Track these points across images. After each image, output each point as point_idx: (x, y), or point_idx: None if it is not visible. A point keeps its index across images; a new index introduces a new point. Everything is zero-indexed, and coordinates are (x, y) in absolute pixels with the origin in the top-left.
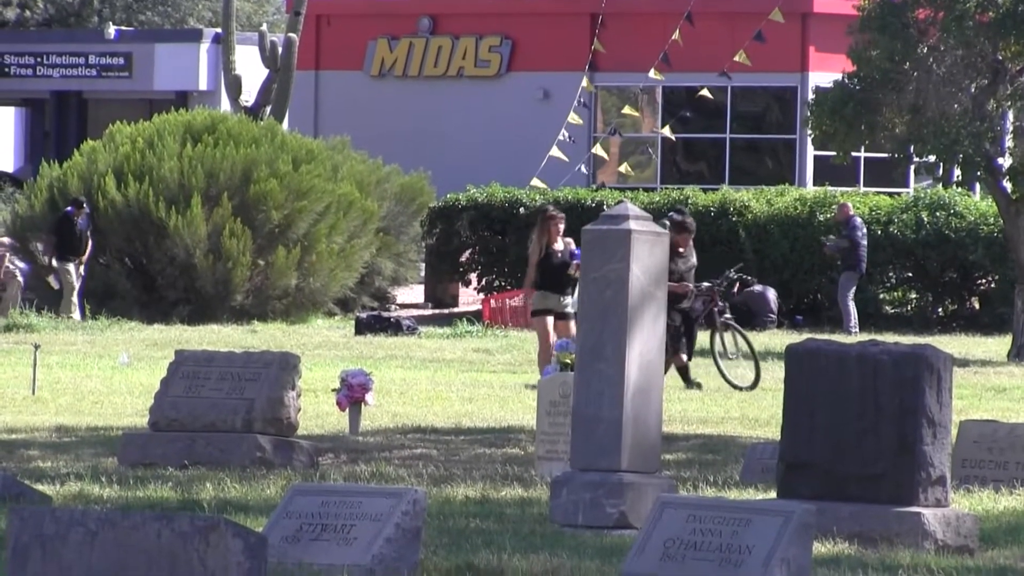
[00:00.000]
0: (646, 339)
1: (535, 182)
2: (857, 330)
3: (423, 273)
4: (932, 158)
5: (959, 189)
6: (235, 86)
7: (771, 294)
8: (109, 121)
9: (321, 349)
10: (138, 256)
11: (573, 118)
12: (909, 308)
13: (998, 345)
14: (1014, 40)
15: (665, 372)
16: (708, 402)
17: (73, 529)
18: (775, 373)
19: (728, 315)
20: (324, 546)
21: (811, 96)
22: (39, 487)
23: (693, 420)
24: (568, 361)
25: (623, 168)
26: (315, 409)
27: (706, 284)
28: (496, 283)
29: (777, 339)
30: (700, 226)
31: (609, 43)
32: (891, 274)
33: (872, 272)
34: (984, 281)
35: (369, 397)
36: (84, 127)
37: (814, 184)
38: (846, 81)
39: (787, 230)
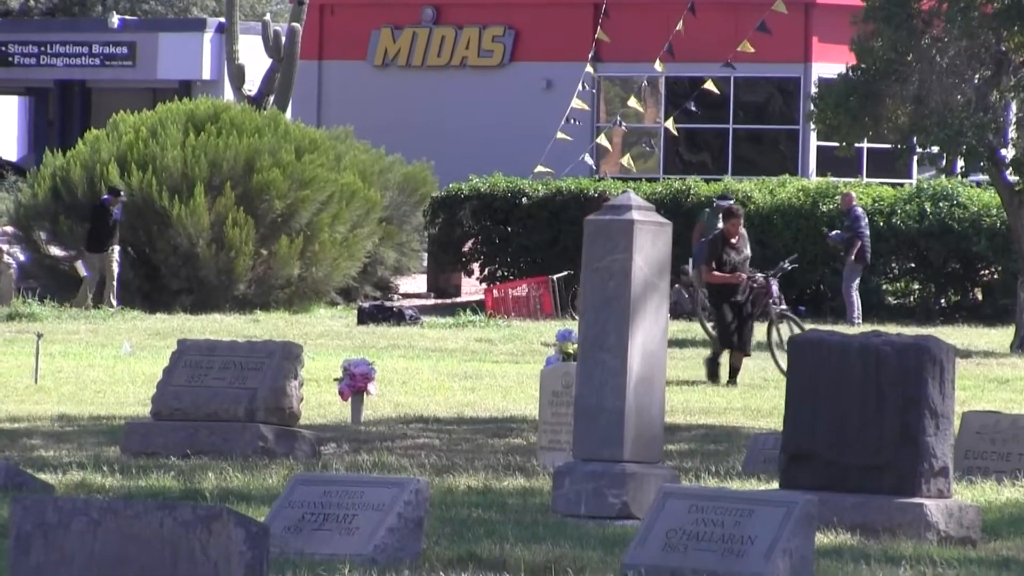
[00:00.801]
0: (649, 329)
1: (540, 168)
2: (860, 321)
3: (426, 263)
4: (935, 149)
5: (962, 180)
6: (238, 75)
7: (774, 285)
8: (113, 110)
9: (323, 339)
10: (141, 245)
11: (577, 103)
12: (912, 299)
13: (1001, 336)
14: (1017, 31)
15: (735, 375)
16: (711, 392)
17: (75, 518)
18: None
19: (784, 306)
20: (326, 536)
21: (814, 88)
22: (41, 476)
23: (695, 410)
24: (570, 351)
25: (626, 159)
26: (317, 399)
27: (760, 275)
28: (499, 273)
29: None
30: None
31: (612, 33)
32: (894, 265)
33: (875, 263)
34: (987, 272)
35: (371, 387)
36: (88, 116)
37: (817, 175)
38: (850, 73)
39: (790, 221)
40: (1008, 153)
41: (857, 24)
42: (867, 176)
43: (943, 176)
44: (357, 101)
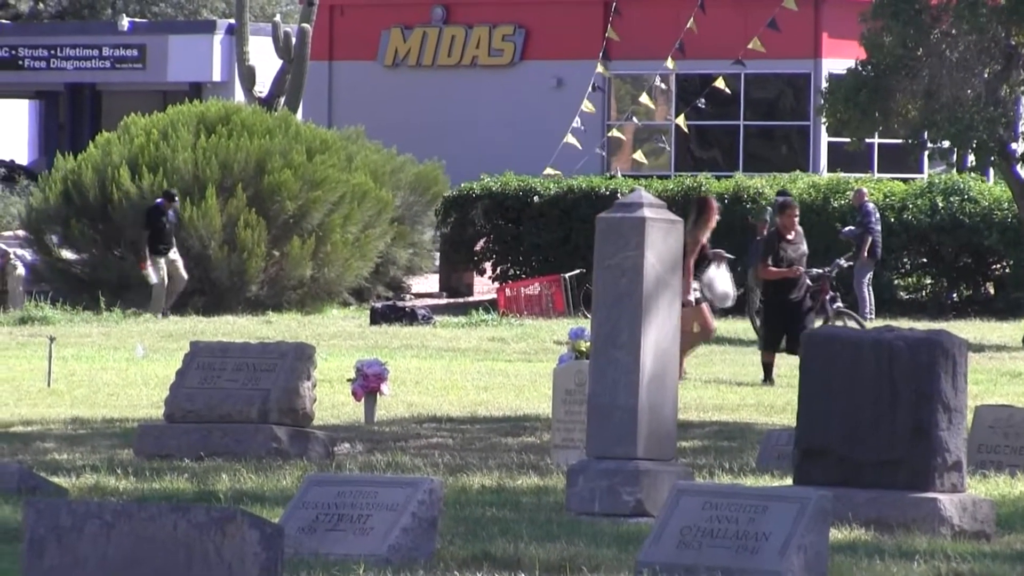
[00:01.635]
0: (661, 326)
1: (548, 170)
2: (873, 316)
3: (438, 262)
4: (946, 144)
5: (973, 174)
6: (249, 77)
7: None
8: (123, 113)
9: (336, 339)
10: None
11: (587, 106)
12: (924, 294)
13: (1013, 330)
14: None
15: (768, 373)
16: (724, 389)
17: (89, 521)
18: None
19: (840, 303)
20: (340, 536)
21: (824, 84)
22: (55, 479)
23: (709, 407)
24: (583, 349)
25: (638, 154)
26: (331, 399)
27: (816, 271)
28: (511, 272)
29: None
30: None
31: (622, 31)
32: (906, 260)
33: (887, 258)
34: (999, 266)
35: (384, 387)
36: (98, 119)
37: (828, 170)
38: (859, 68)
39: (801, 217)
40: (1019, 147)
41: (866, 20)
42: (878, 171)
43: (954, 170)
44: (368, 101)
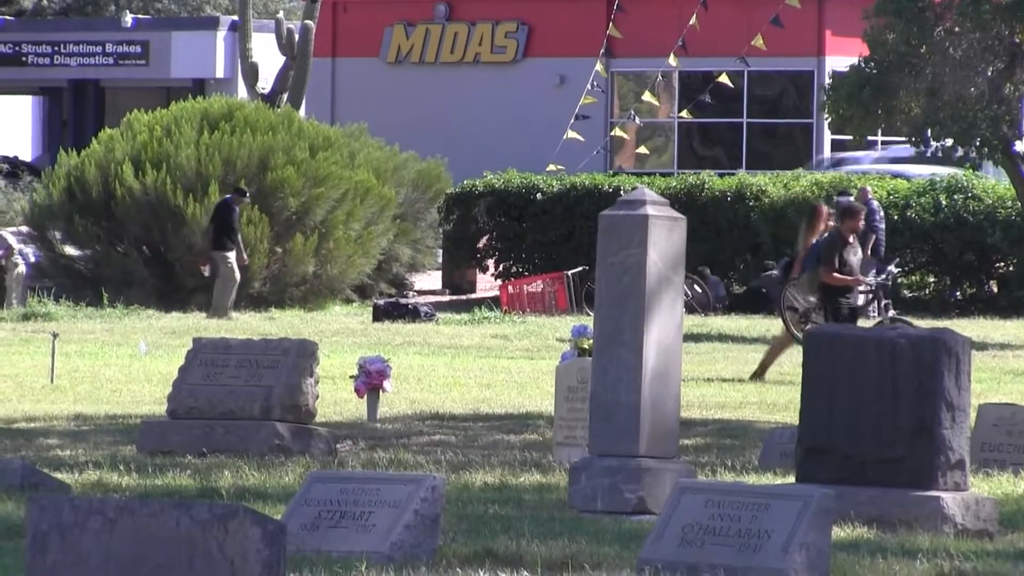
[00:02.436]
0: (664, 324)
1: (551, 166)
2: (876, 314)
3: (440, 259)
4: (949, 141)
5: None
6: (252, 73)
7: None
8: (126, 109)
9: (339, 336)
10: (156, 244)
11: (587, 100)
12: (927, 292)
13: (1017, 328)
14: None
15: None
16: (726, 387)
17: (92, 517)
18: (793, 357)
19: (894, 310)
20: (343, 533)
21: (828, 80)
22: (58, 476)
23: (711, 405)
24: (586, 346)
25: (642, 147)
26: (333, 396)
27: (871, 278)
28: (513, 269)
29: None
30: (716, 211)
31: (625, 28)
32: (909, 258)
33: (890, 256)
34: (1002, 264)
35: (387, 384)
36: (101, 115)
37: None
38: (862, 65)
39: (804, 214)
40: (1022, 146)
41: (869, 18)
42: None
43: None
44: (370, 98)
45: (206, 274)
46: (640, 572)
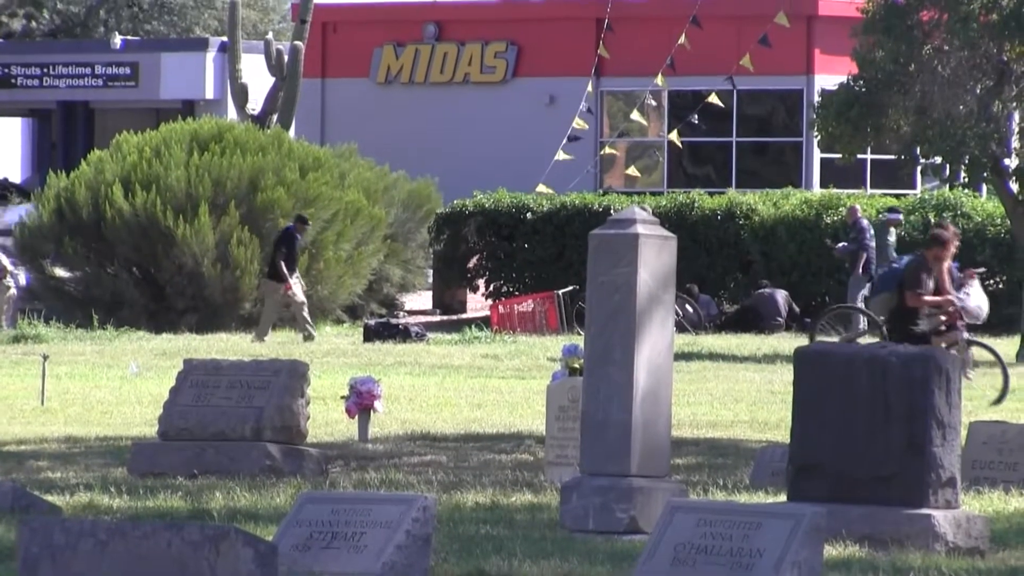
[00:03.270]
0: (655, 343)
1: (541, 188)
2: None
3: (431, 279)
4: (938, 159)
5: (965, 190)
6: (241, 94)
7: (780, 297)
8: (116, 131)
9: (330, 356)
10: (146, 265)
11: (578, 123)
12: None
13: (1007, 346)
14: (1019, 41)
15: None
16: (717, 406)
17: (83, 539)
18: (784, 376)
19: (967, 333)
20: (334, 554)
21: (817, 99)
22: (49, 498)
23: (702, 424)
24: (577, 366)
25: (631, 168)
26: (324, 417)
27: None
28: (504, 288)
29: (785, 342)
30: (707, 230)
31: (615, 47)
32: None
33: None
34: (992, 281)
35: (378, 404)
36: (91, 137)
37: (821, 186)
38: (851, 83)
39: (794, 233)
40: (1011, 163)
41: (857, 36)
42: (871, 187)
43: (946, 186)
44: (360, 119)
45: (293, 296)
46: None
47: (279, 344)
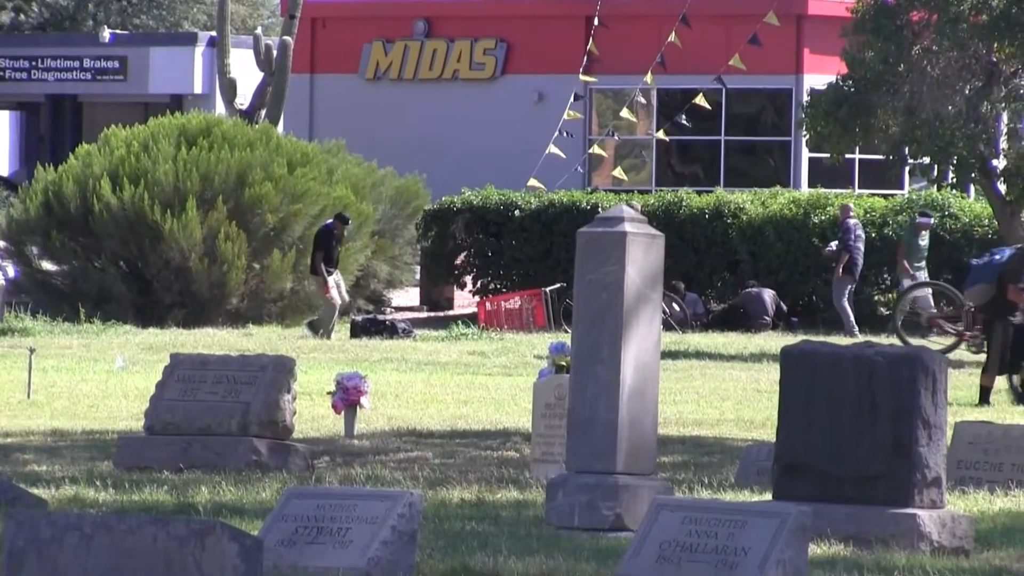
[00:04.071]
0: (642, 341)
1: (532, 182)
2: (856, 332)
3: (418, 276)
4: (926, 160)
5: (953, 191)
6: (230, 89)
7: (768, 296)
8: (104, 124)
9: (316, 352)
10: (133, 259)
11: (570, 114)
12: None
13: None
14: (1008, 42)
15: (986, 396)
16: (704, 404)
17: (68, 533)
18: (770, 375)
19: None
20: (320, 549)
21: (806, 98)
22: (34, 491)
23: (689, 422)
24: (563, 363)
25: (618, 171)
26: (310, 412)
27: None
28: (491, 286)
29: (772, 341)
30: (694, 229)
31: (604, 45)
32: (886, 276)
33: (867, 274)
34: None
35: (364, 400)
36: (79, 130)
37: (809, 186)
38: (840, 83)
39: (782, 232)
40: (999, 164)
41: (847, 36)
42: (859, 187)
43: (935, 187)
44: (349, 114)
45: (330, 298)
46: None
47: (266, 340)
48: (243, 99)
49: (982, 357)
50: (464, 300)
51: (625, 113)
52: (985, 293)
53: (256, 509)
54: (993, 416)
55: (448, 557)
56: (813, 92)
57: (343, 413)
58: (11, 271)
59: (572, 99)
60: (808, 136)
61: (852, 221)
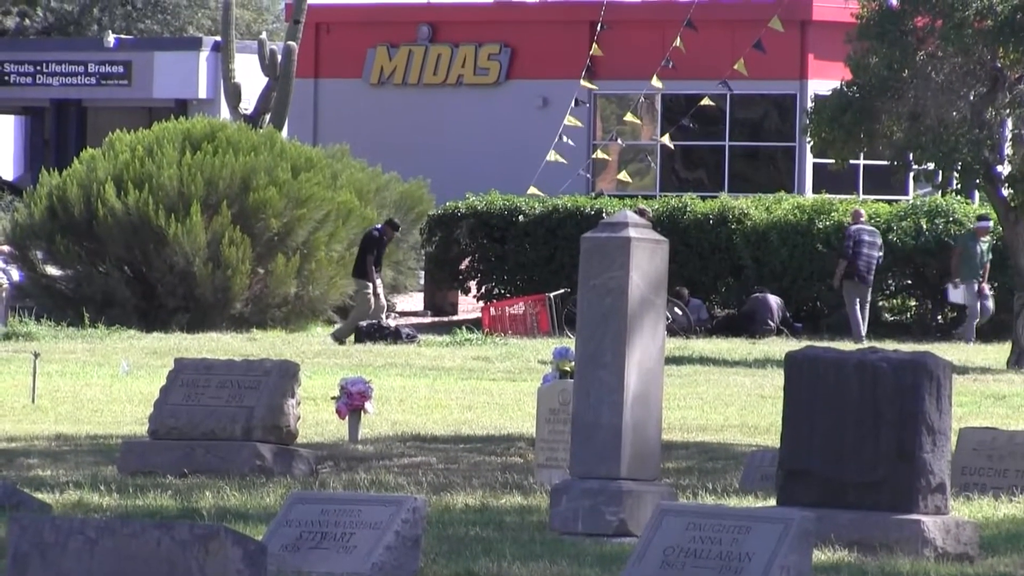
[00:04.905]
0: (646, 346)
1: (532, 190)
2: (863, 338)
3: (422, 281)
4: (931, 165)
5: (958, 196)
6: (234, 94)
7: (772, 301)
8: (109, 129)
9: (320, 357)
10: (137, 264)
11: (571, 120)
12: (908, 315)
13: (997, 352)
14: (1012, 48)
15: None
16: (708, 410)
17: (72, 537)
18: (774, 380)
19: None
20: (324, 554)
21: (810, 104)
22: (39, 495)
23: (693, 428)
24: (567, 368)
25: (622, 174)
26: (314, 417)
27: None
28: (495, 291)
29: (776, 346)
30: (699, 234)
31: (608, 50)
32: (890, 281)
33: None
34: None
35: (368, 405)
36: (84, 135)
37: (813, 191)
38: (845, 89)
39: (786, 237)
40: (1004, 169)
41: (852, 42)
42: (863, 193)
43: (939, 193)
44: (353, 119)
45: (372, 304)
46: None
47: (270, 345)
48: (247, 104)
49: (984, 362)
50: (468, 305)
51: (629, 117)
52: None
53: (260, 514)
54: (997, 422)
55: (452, 562)
56: (817, 97)
57: (347, 418)
58: (16, 275)
59: (573, 105)
60: (812, 142)
61: (854, 227)
